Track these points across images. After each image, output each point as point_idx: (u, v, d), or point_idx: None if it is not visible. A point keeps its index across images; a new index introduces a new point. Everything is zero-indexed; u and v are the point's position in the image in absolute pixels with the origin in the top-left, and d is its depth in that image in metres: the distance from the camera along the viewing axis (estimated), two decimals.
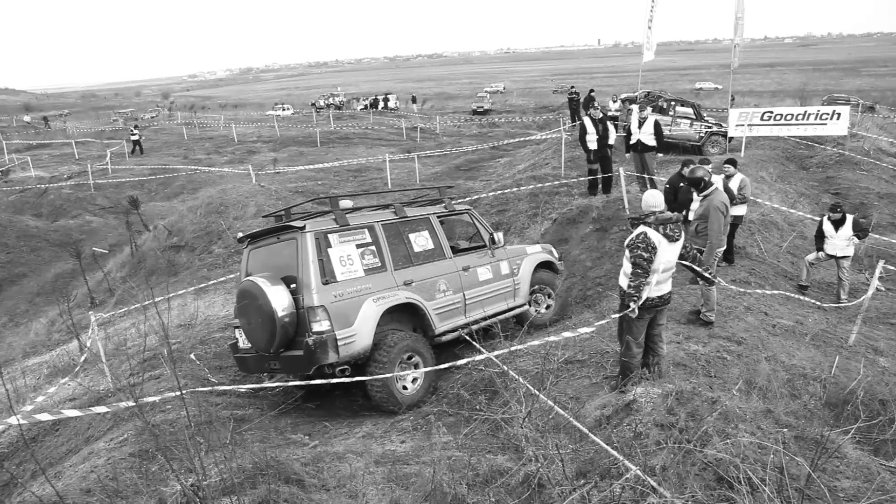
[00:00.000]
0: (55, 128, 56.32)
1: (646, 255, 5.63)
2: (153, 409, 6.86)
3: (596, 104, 15.66)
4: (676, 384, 5.30)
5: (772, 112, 17.85)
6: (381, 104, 56.58)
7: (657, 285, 5.78)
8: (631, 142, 13.19)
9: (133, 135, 37.40)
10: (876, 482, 4.20)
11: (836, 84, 63.91)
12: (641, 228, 5.77)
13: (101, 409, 5.46)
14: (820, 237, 9.56)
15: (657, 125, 12.96)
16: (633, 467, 4.13)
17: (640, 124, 12.94)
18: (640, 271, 5.65)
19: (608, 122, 13.77)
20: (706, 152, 17.22)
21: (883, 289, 8.47)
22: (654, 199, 5.88)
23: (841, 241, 9.31)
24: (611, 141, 13.70)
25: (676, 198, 9.24)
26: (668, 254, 5.76)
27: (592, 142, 13.44)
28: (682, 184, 9.76)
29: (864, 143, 18.89)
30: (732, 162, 9.77)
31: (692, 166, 8.22)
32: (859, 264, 11.29)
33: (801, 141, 18.73)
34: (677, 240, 5.84)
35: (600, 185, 13.98)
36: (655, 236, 5.68)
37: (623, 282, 5.90)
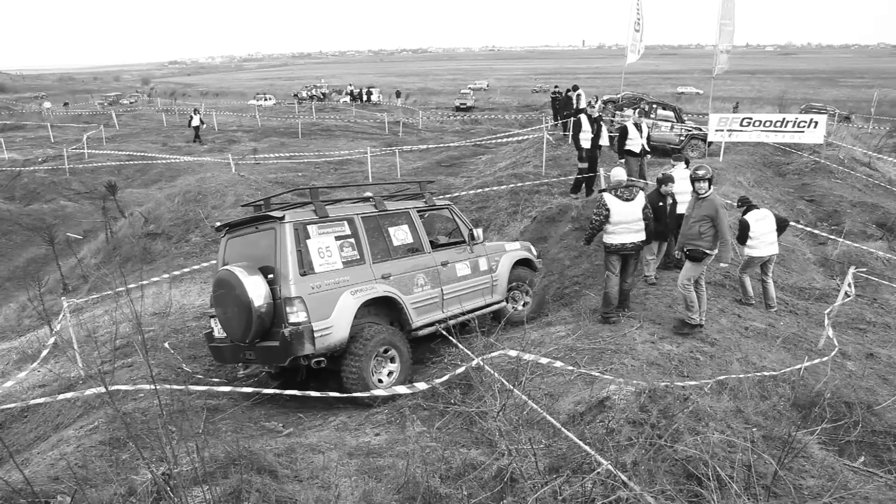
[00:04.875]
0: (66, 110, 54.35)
1: (597, 217, 7.84)
2: (125, 397, 6.78)
3: (592, 102, 15.78)
4: (649, 382, 5.37)
5: (751, 118, 18.09)
6: (364, 97, 56.27)
7: (616, 235, 7.73)
8: (636, 149, 13.28)
9: (192, 121, 34.14)
10: (838, 481, 4.30)
11: (814, 93, 64.95)
12: (602, 195, 7.91)
13: (70, 394, 5.38)
14: (744, 239, 8.70)
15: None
16: (604, 462, 4.18)
17: (640, 129, 13.24)
18: (591, 225, 8.03)
19: (601, 123, 13.84)
20: (686, 155, 17.44)
21: (853, 294, 8.63)
22: (617, 172, 8.02)
23: (772, 237, 8.69)
24: (603, 142, 13.78)
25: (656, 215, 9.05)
26: (620, 211, 7.69)
27: (587, 140, 13.40)
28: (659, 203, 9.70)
29: (839, 152, 19.23)
30: (685, 160, 9.87)
31: (695, 165, 8.14)
32: (831, 270, 11.51)
33: (779, 147, 19.01)
34: (630, 200, 7.74)
35: (584, 185, 14.03)
36: (610, 199, 7.75)
37: None
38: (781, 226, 9.10)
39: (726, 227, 7.37)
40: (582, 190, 14.01)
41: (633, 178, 7.90)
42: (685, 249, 7.58)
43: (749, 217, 8.66)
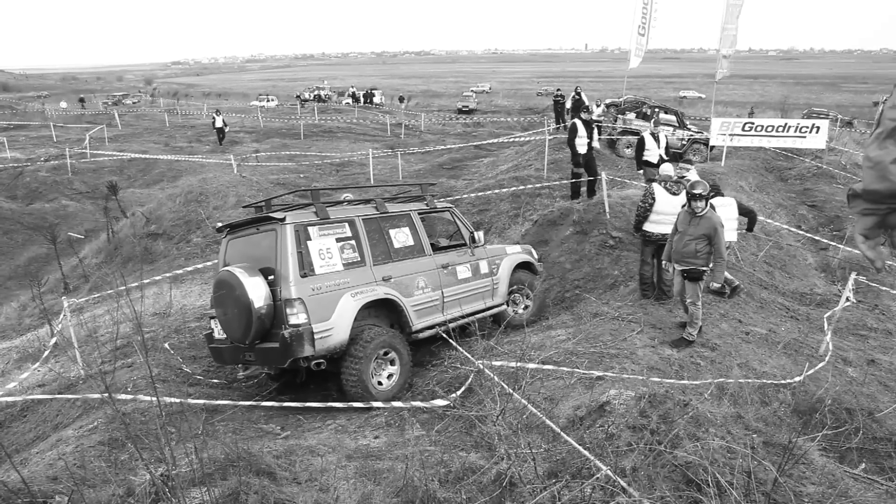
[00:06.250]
0: (90, 108, 54.00)
1: (643, 204, 8.59)
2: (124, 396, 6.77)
3: (587, 106, 15.76)
4: (650, 387, 5.36)
5: (753, 123, 18.09)
6: (367, 99, 56.18)
7: (656, 224, 8.50)
8: (653, 159, 13.24)
9: (216, 123, 32.68)
10: (839, 488, 4.29)
11: (816, 98, 64.90)
12: (652, 186, 8.70)
13: (71, 395, 5.37)
14: None
15: None
16: (603, 467, 4.16)
17: (657, 139, 13.24)
18: (638, 212, 8.75)
19: (594, 126, 13.83)
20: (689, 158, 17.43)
21: (854, 301, 8.61)
22: (666, 168, 8.90)
23: (732, 224, 8.69)
24: (594, 145, 13.76)
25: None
26: (665, 202, 8.45)
27: (582, 145, 13.29)
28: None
29: (842, 157, 19.22)
30: (689, 161, 9.88)
31: (691, 181, 8.03)
32: (832, 276, 11.50)
33: (781, 152, 19.01)
34: (676, 194, 8.45)
35: (584, 189, 13.98)
36: (658, 189, 8.56)
37: None
38: (750, 217, 9.22)
39: (723, 247, 7.31)
40: (582, 194, 13.98)
41: (681, 174, 8.91)
42: (682, 271, 7.49)
43: None
